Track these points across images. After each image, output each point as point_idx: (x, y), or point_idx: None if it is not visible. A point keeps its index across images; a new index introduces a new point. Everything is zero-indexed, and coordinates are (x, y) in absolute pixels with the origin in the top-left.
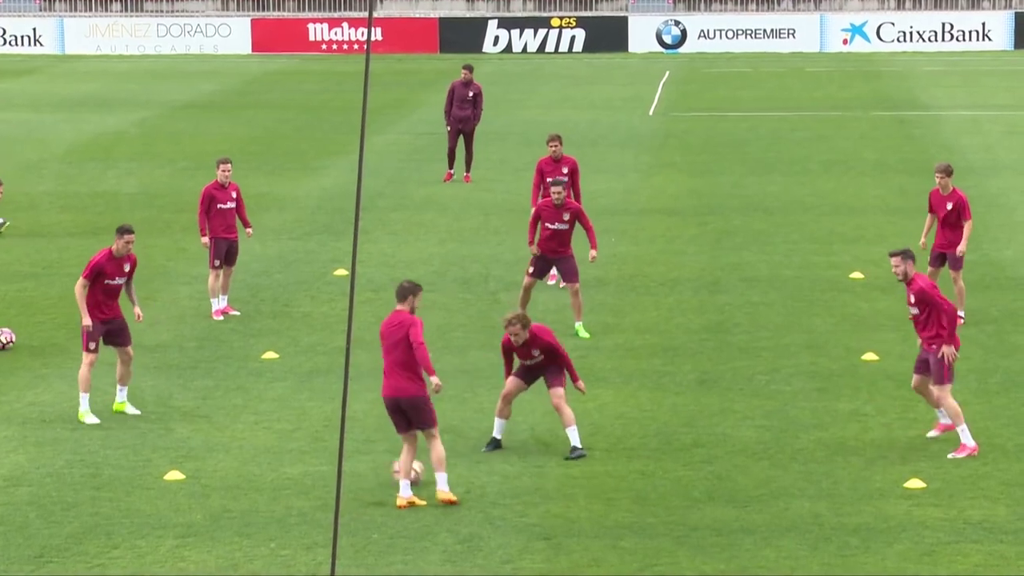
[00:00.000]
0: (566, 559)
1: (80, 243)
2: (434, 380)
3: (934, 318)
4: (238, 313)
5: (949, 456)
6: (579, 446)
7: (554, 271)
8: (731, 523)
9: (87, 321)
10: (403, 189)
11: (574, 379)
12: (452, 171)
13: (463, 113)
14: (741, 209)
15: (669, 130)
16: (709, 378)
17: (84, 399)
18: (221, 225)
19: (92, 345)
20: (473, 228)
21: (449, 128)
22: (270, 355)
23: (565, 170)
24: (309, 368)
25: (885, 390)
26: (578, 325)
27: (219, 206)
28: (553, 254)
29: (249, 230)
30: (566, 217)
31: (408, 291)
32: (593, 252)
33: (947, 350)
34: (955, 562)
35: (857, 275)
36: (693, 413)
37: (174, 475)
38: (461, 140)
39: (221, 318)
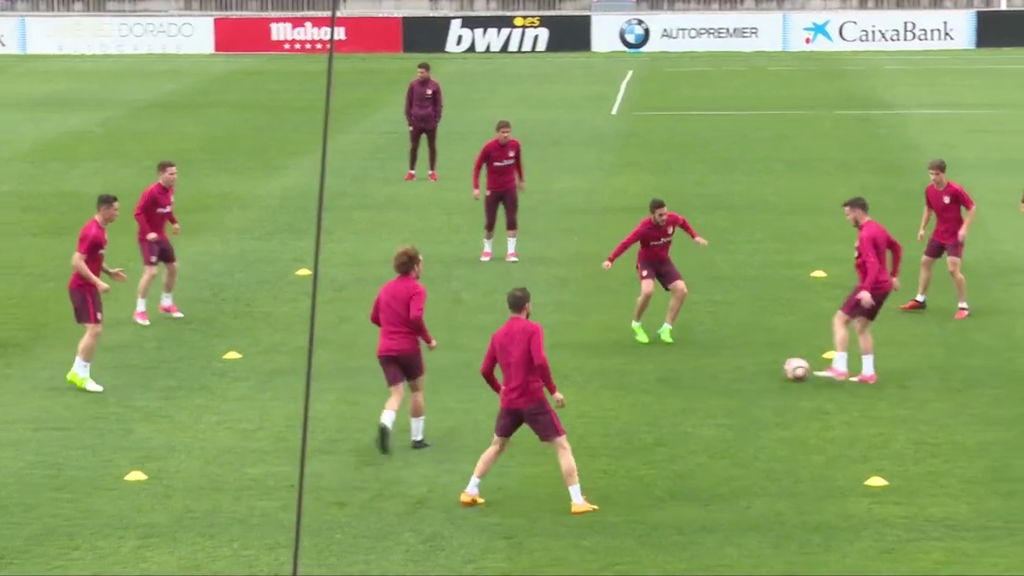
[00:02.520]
0: (528, 558)
1: (43, 243)
2: (557, 396)
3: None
4: (181, 315)
5: (819, 374)
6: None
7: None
8: (693, 522)
9: (104, 285)
10: (366, 188)
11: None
12: (414, 171)
13: (423, 112)
14: (704, 208)
15: (632, 129)
16: (672, 377)
17: (86, 368)
18: (157, 228)
19: (99, 315)
20: (436, 228)
21: (411, 128)
22: (232, 355)
23: (511, 153)
24: (271, 368)
25: (847, 388)
26: (666, 327)
27: (159, 210)
28: (660, 264)
29: (176, 226)
30: (670, 231)
31: (523, 300)
32: (702, 240)
33: (863, 296)
34: (916, 559)
35: (819, 274)
36: (655, 412)
37: (136, 476)
38: (424, 140)
39: (146, 322)
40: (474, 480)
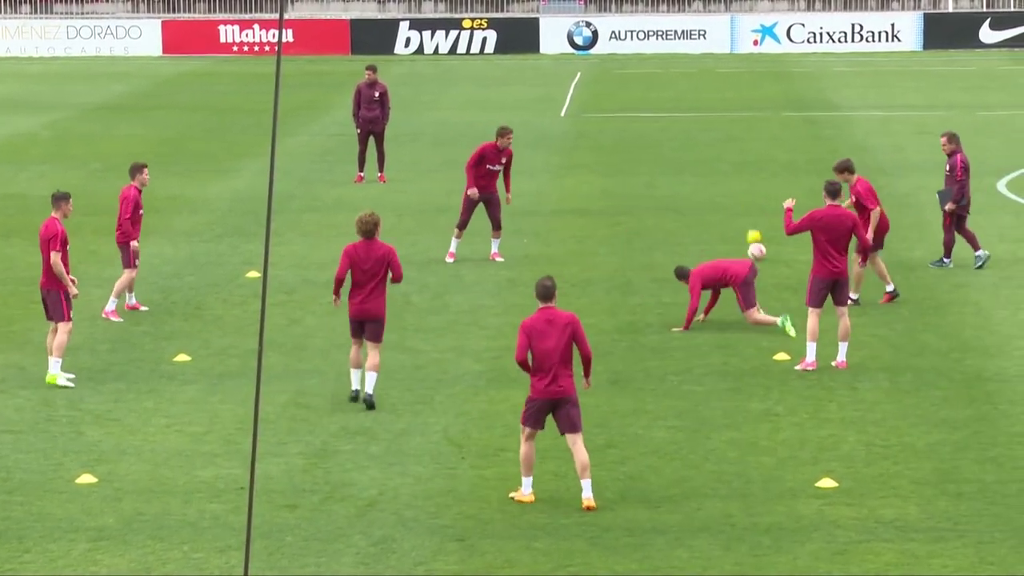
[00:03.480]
0: (479, 560)
1: None
2: (587, 381)
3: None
4: (146, 308)
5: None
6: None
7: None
8: (644, 523)
9: (75, 290)
10: (314, 190)
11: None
12: (363, 174)
13: (371, 114)
14: (653, 210)
15: (581, 131)
16: (621, 379)
17: (56, 363)
18: (138, 229)
19: (72, 313)
20: (386, 230)
21: (359, 131)
22: (182, 357)
23: (504, 160)
24: (221, 371)
25: (796, 390)
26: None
27: (140, 212)
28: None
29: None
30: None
31: (553, 288)
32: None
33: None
34: (867, 561)
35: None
36: (605, 413)
37: (86, 478)
38: (372, 142)
39: (119, 319)
40: (527, 481)
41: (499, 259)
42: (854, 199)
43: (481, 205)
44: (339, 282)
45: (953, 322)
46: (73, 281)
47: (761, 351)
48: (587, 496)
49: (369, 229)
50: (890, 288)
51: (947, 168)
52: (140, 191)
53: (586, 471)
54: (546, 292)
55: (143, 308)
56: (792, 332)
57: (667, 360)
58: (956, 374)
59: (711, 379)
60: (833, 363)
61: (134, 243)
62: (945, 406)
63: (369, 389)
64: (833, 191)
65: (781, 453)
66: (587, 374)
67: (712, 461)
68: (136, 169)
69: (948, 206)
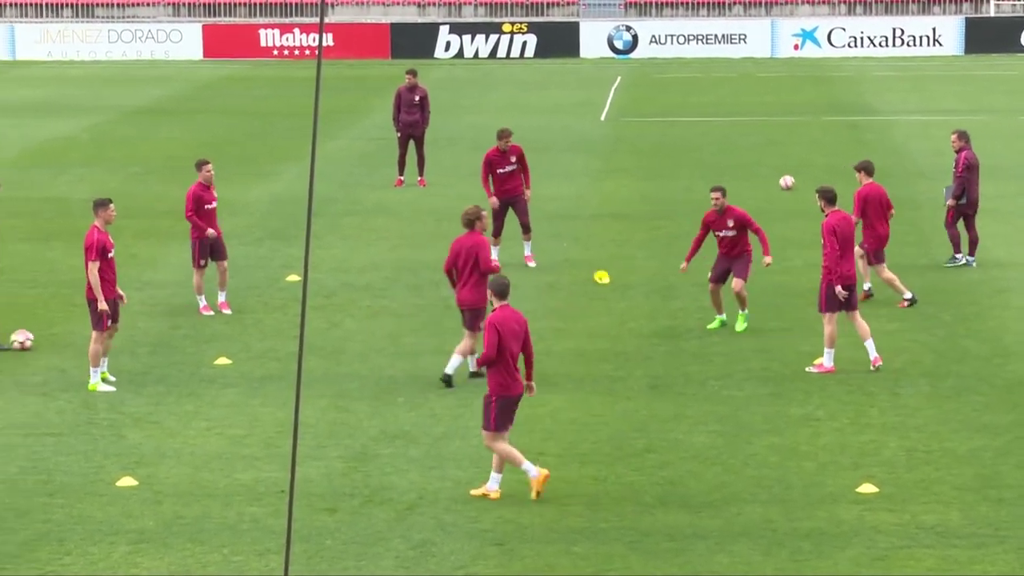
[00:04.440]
0: (519, 564)
1: (30, 249)
2: (531, 386)
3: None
4: (229, 312)
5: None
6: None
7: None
8: (684, 528)
9: (104, 306)
10: (354, 194)
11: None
12: (403, 177)
13: (411, 118)
14: (692, 214)
15: (620, 135)
16: (661, 383)
17: (96, 372)
18: (211, 224)
19: (112, 324)
20: (425, 233)
21: (399, 134)
22: (222, 361)
23: (513, 159)
24: (261, 374)
25: (837, 395)
26: (742, 314)
27: (206, 207)
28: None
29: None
30: (731, 224)
31: (509, 287)
32: (767, 259)
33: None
34: (908, 567)
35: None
36: (645, 418)
37: (126, 481)
38: (412, 146)
39: (211, 313)
40: (495, 476)
41: (531, 263)
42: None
43: (510, 210)
44: (447, 274)
45: (994, 327)
46: (121, 296)
47: (801, 356)
48: (493, 487)
49: (468, 220)
50: (908, 295)
51: (955, 165)
52: (207, 186)
53: (503, 465)
54: (505, 290)
55: (227, 311)
56: (740, 328)
57: (707, 365)
58: (998, 379)
59: (751, 384)
60: (871, 368)
61: (210, 231)
62: (987, 411)
63: (450, 370)
64: (832, 197)
65: (822, 458)
66: (530, 377)
67: (752, 466)
68: (197, 166)
69: (949, 202)
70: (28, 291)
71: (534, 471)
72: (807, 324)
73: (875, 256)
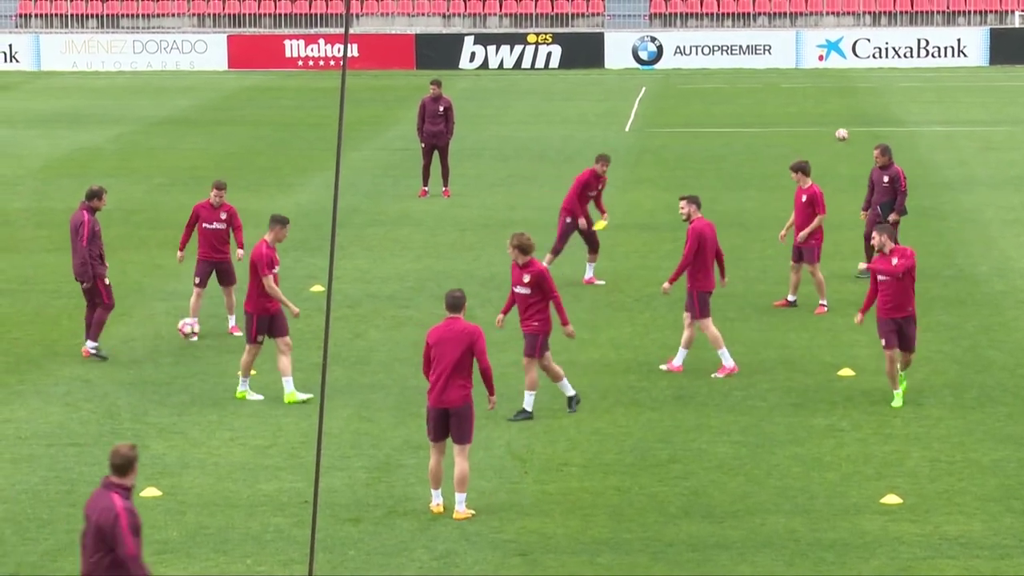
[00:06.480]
0: (542, 575)
1: (55, 259)
2: (491, 400)
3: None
4: (240, 334)
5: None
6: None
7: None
8: (707, 539)
9: (296, 309)
10: (379, 205)
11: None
12: (427, 188)
13: (435, 128)
14: (717, 225)
15: (645, 146)
16: (685, 394)
17: (245, 382)
18: (206, 244)
19: (260, 337)
20: (448, 244)
21: (423, 145)
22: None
23: (600, 187)
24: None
25: (860, 406)
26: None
27: (204, 225)
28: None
29: (240, 252)
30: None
31: (463, 300)
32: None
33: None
34: None
35: (833, 291)
36: (669, 429)
37: (150, 491)
38: (436, 156)
39: (239, 333)
40: (436, 493)
41: (599, 282)
42: (806, 199)
43: (569, 229)
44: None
45: (1019, 338)
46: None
47: (825, 367)
48: (460, 510)
49: (455, 305)
50: (791, 298)
51: (884, 180)
52: (212, 207)
53: (463, 484)
54: (454, 303)
55: (237, 332)
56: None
57: (731, 376)
58: (1021, 390)
59: (775, 394)
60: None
61: (178, 254)
62: (1010, 422)
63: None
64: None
65: (845, 469)
66: (490, 391)
67: (776, 476)
68: (212, 185)
69: (893, 216)
70: (54, 301)
71: (437, 500)
72: (830, 335)
73: (818, 255)
